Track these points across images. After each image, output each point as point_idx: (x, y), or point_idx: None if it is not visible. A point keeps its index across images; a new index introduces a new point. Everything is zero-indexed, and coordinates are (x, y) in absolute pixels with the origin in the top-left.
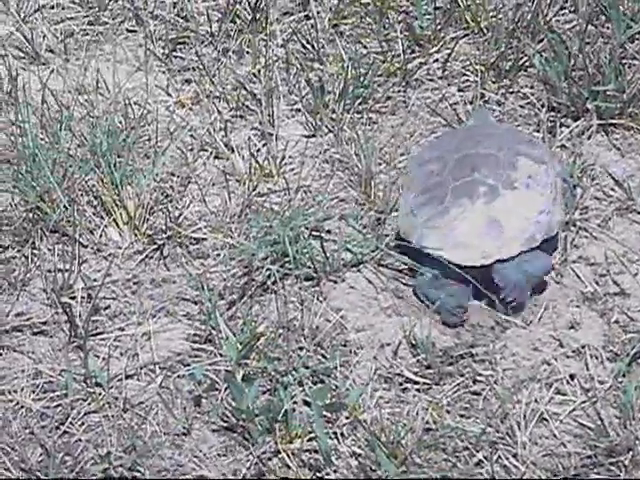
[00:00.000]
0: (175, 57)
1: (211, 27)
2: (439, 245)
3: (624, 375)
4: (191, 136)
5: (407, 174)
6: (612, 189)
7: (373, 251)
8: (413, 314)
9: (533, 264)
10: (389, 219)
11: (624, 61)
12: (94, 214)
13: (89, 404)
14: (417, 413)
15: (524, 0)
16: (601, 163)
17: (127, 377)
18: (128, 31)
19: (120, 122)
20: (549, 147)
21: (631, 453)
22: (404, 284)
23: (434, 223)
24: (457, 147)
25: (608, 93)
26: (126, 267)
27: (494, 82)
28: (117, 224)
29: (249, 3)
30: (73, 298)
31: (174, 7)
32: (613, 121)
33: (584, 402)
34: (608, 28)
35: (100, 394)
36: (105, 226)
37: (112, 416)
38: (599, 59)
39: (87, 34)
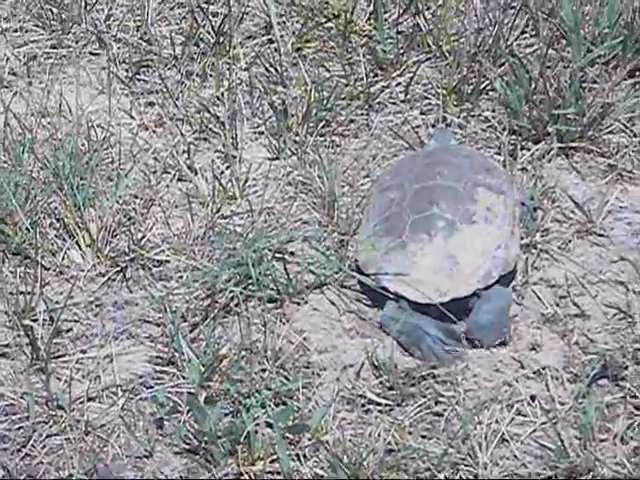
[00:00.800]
0: (138, 80)
1: (174, 50)
2: (396, 281)
3: (584, 396)
4: (154, 158)
5: (368, 200)
6: (572, 212)
7: (336, 273)
8: (376, 335)
9: (496, 299)
10: (352, 241)
11: (584, 85)
12: (56, 236)
13: (51, 427)
14: (379, 434)
15: (485, 24)
16: (561, 186)
17: (89, 399)
18: (91, 54)
19: (83, 145)
20: (510, 171)
21: (591, 474)
22: (367, 305)
23: (392, 257)
24: (417, 176)
25: (568, 116)
26: (88, 289)
27: (456, 105)
28: (79, 246)
29: (212, 27)
30: (35, 320)
31: (137, 30)
32: (573, 144)
33: (545, 423)
34: (568, 52)
35: (62, 417)
36: (67, 248)
37: (74, 439)
38: (559, 83)
39: (50, 57)
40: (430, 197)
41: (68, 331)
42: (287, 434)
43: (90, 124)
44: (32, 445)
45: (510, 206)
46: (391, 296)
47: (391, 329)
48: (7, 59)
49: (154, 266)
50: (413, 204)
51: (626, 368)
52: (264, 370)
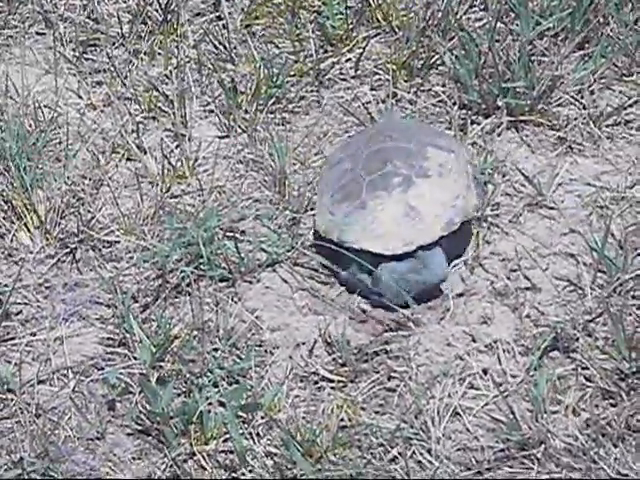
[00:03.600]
0: (86, 59)
1: (122, 29)
2: (360, 238)
3: (535, 369)
4: (103, 138)
5: (321, 178)
6: (522, 185)
7: (288, 251)
8: (329, 313)
9: (425, 272)
10: (304, 218)
11: (533, 58)
12: (4, 218)
13: (1, 410)
14: (332, 411)
15: None
16: (512, 159)
17: (39, 382)
18: (37, 34)
19: (30, 125)
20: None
21: (543, 446)
22: (320, 283)
23: (353, 218)
24: (367, 143)
25: (518, 90)
26: (38, 271)
27: (406, 81)
28: (28, 228)
29: (160, 4)
30: None
31: (84, 9)
32: (523, 118)
33: (497, 396)
34: (517, 25)
35: (12, 400)
36: (16, 230)
37: (25, 422)
38: (509, 56)
39: None
40: (383, 157)
41: (17, 314)
42: (240, 413)
43: (37, 104)
44: None
45: (462, 163)
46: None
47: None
48: None
49: (104, 247)
50: (367, 166)
51: (577, 340)
52: (216, 349)
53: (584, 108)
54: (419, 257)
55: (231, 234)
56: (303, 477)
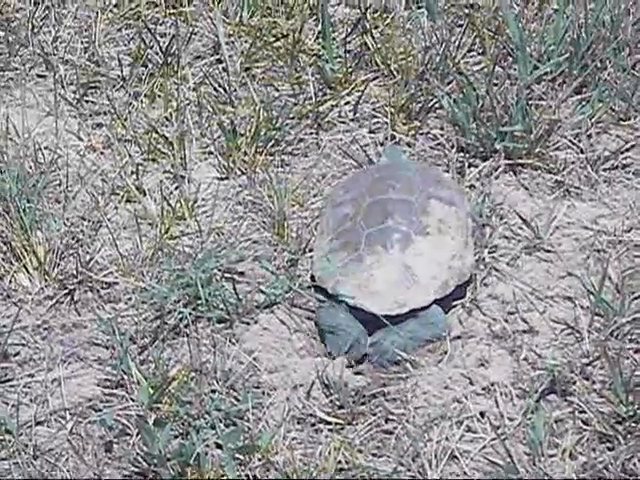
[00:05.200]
0: (86, 101)
1: (122, 71)
2: (354, 293)
3: (533, 412)
4: (102, 180)
5: (321, 215)
6: (520, 228)
7: (287, 292)
8: (326, 355)
9: (432, 327)
10: (302, 260)
11: (531, 102)
12: (3, 259)
13: None
14: (329, 453)
15: (433, 43)
16: (509, 202)
17: (37, 424)
18: (38, 76)
19: (30, 167)
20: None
21: None
22: (317, 324)
23: (349, 271)
24: (370, 190)
25: (515, 134)
26: (36, 313)
27: (404, 124)
28: (27, 269)
29: (160, 47)
30: None
31: (85, 52)
32: (521, 161)
33: (494, 439)
34: (515, 69)
35: (10, 441)
36: (15, 272)
37: (22, 463)
38: (506, 100)
39: None
40: (384, 210)
41: (16, 355)
42: (237, 455)
43: (37, 146)
44: None
45: (462, 217)
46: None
47: (326, 329)
48: None
49: (102, 288)
50: (367, 218)
51: (574, 383)
52: (214, 391)
53: (582, 152)
54: (422, 315)
55: (229, 275)
56: None
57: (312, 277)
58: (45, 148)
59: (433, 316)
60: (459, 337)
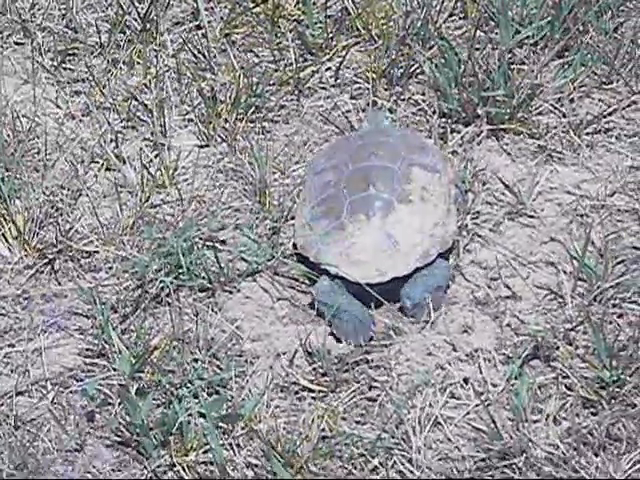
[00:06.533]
0: (64, 69)
1: (100, 38)
2: (336, 262)
3: (516, 378)
4: (81, 148)
5: (303, 182)
6: (503, 193)
7: (269, 260)
8: (309, 322)
9: (434, 276)
10: (284, 227)
11: (513, 66)
12: None
13: None
14: (313, 421)
15: (414, 7)
16: (492, 168)
17: (18, 394)
18: (16, 44)
19: (8, 135)
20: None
21: (524, 455)
22: (300, 292)
23: (331, 239)
24: (352, 157)
25: (498, 98)
26: (16, 282)
27: (386, 89)
28: (6, 239)
29: (139, 13)
30: None
31: (62, 19)
32: (503, 126)
33: (478, 405)
34: (497, 34)
35: None
36: None
37: (3, 434)
38: (488, 65)
39: None
40: (366, 178)
41: None
42: (220, 424)
43: (15, 114)
44: None
45: (445, 184)
46: (323, 276)
47: (324, 306)
48: None
49: (83, 257)
50: (350, 185)
51: (557, 349)
52: (196, 360)
53: (564, 116)
54: (429, 268)
55: (211, 244)
56: None
57: (294, 245)
58: (23, 116)
59: (437, 268)
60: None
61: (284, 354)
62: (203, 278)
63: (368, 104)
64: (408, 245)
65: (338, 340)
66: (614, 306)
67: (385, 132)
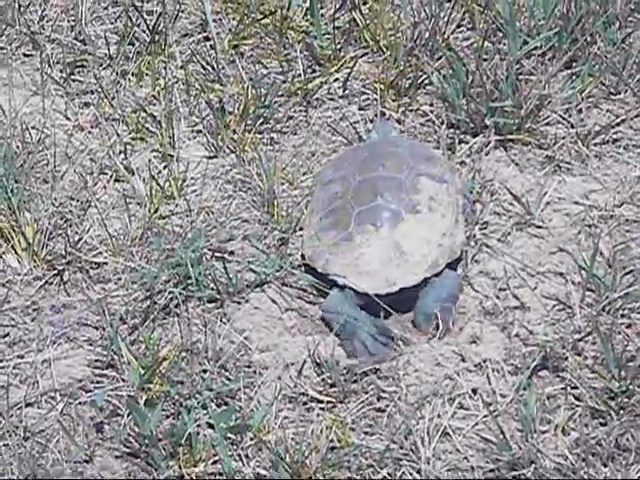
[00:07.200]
0: (73, 80)
1: (109, 50)
2: (344, 272)
3: (525, 388)
4: (90, 160)
5: (312, 194)
6: (511, 204)
7: (277, 271)
8: (317, 333)
9: (444, 286)
10: (293, 238)
11: (521, 77)
12: None
13: None
14: (321, 432)
15: (422, 18)
16: (500, 178)
17: (27, 405)
18: (25, 55)
19: (17, 147)
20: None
21: (533, 466)
22: (309, 303)
23: (339, 249)
24: (360, 168)
25: (506, 109)
26: (25, 294)
27: (394, 100)
28: (15, 250)
29: (147, 25)
30: None
31: (71, 31)
32: (511, 136)
33: (486, 416)
34: (505, 44)
35: (0, 423)
36: (3, 253)
37: (12, 445)
38: (496, 75)
39: None
40: (374, 188)
41: (5, 336)
42: (229, 434)
43: (24, 126)
44: None
45: (453, 194)
46: (335, 289)
47: (331, 320)
48: None
49: (92, 268)
50: (357, 196)
51: (566, 359)
52: (205, 371)
53: (572, 127)
54: (439, 279)
55: (219, 254)
56: None
57: (302, 256)
58: (32, 128)
59: (447, 278)
60: None
61: (292, 365)
62: (212, 289)
63: (376, 115)
64: (416, 255)
65: (342, 347)
66: (623, 316)
67: (393, 143)
